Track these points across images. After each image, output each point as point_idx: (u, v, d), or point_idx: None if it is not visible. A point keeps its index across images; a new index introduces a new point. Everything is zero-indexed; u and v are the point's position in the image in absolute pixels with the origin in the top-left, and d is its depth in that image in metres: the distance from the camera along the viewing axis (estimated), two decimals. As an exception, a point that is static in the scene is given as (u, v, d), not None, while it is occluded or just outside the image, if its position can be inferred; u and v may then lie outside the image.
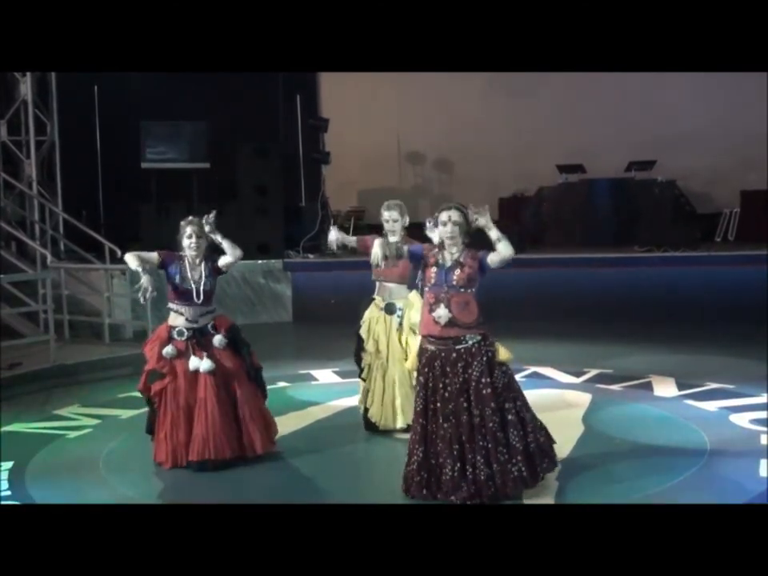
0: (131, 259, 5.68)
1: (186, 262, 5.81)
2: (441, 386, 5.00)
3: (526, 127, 14.62)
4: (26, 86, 12.40)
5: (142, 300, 5.67)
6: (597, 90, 13.87)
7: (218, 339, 5.81)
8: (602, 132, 14.06)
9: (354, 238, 6.64)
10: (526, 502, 4.93)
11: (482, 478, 4.88)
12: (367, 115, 15.15)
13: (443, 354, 5.02)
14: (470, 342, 5.00)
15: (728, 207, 13.20)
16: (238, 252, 5.82)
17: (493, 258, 4.94)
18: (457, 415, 4.95)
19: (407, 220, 6.35)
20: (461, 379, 4.98)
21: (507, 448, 4.94)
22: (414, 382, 5.45)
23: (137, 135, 13.14)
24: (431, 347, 5.06)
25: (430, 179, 15.59)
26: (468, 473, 4.92)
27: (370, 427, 6.47)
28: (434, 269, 5.03)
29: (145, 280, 5.59)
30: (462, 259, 5.02)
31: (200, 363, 5.70)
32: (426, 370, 5.07)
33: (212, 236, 5.76)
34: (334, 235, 6.54)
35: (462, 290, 4.98)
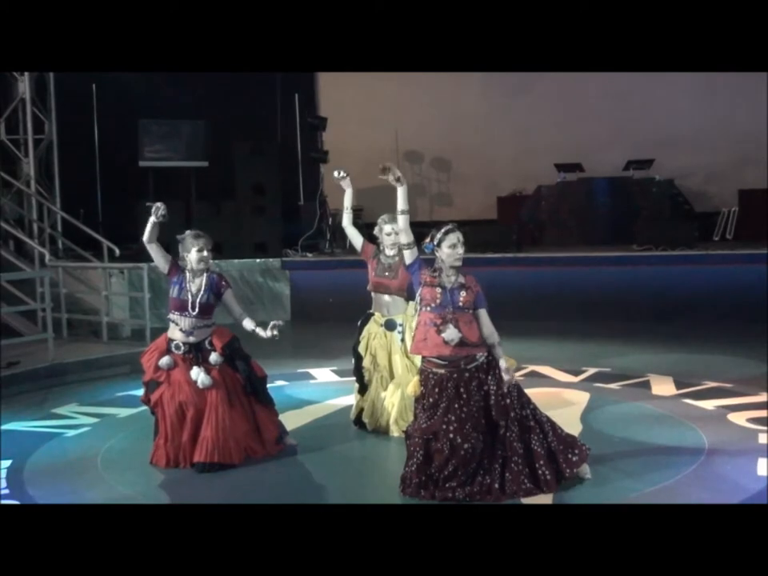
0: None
1: (187, 273, 5.81)
2: (456, 406, 4.97)
3: (524, 126, 14.63)
4: (23, 85, 12.41)
5: (154, 218, 5.58)
6: (595, 89, 13.88)
7: (213, 358, 5.78)
8: (600, 131, 14.06)
9: (362, 241, 6.47)
10: (525, 502, 4.93)
11: (495, 486, 4.91)
12: (365, 114, 15.15)
13: (455, 376, 4.98)
14: (481, 360, 5.01)
15: (726, 206, 13.19)
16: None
17: (483, 318, 5.03)
18: (475, 434, 4.93)
19: None
20: (478, 397, 4.98)
21: (524, 458, 4.97)
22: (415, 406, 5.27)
23: (135, 134, 13.14)
24: (440, 370, 5.01)
25: (428, 178, 15.59)
26: (479, 475, 4.95)
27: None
28: (438, 289, 4.99)
29: (160, 204, 5.59)
30: (462, 281, 5.03)
31: (198, 376, 5.70)
32: (437, 390, 5.01)
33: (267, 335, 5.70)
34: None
35: (467, 310, 4.99)
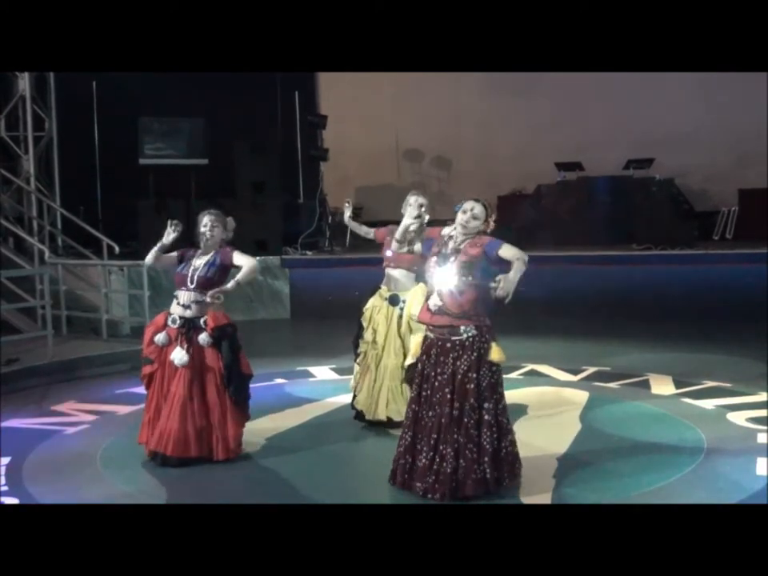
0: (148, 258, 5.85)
1: (198, 250, 5.87)
2: (433, 374, 5.02)
3: (524, 125, 14.64)
4: (24, 82, 12.41)
5: (171, 226, 5.72)
6: (595, 87, 13.88)
7: (202, 337, 5.76)
8: (600, 130, 14.08)
9: (372, 230, 6.80)
10: (524, 501, 4.94)
11: (448, 470, 4.87)
12: (365, 112, 15.16)
13: (439, 343, 5.03)
14: (465, 336, 4.98)
15: (726, 205, 13.22)
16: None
17: (505, 252, 4.95)
18: (441, 405, 4.97)
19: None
20: (450, 370, 4.98)
21: (477, 447, 4.91)
22: (403, 377, 5.59)
23: (135, 131, 13.15)
24: (431, 335, 5.10)
25: (428, 176, 15.60)
26: (436, 463, 4.94)
27: (358, 416, 6.52)
28: (434, 259, 5.06)
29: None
30: (461, 246, 5.02)
31: (177, 355, 5.70)
32: (424, 357, 5.10)
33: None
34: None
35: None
